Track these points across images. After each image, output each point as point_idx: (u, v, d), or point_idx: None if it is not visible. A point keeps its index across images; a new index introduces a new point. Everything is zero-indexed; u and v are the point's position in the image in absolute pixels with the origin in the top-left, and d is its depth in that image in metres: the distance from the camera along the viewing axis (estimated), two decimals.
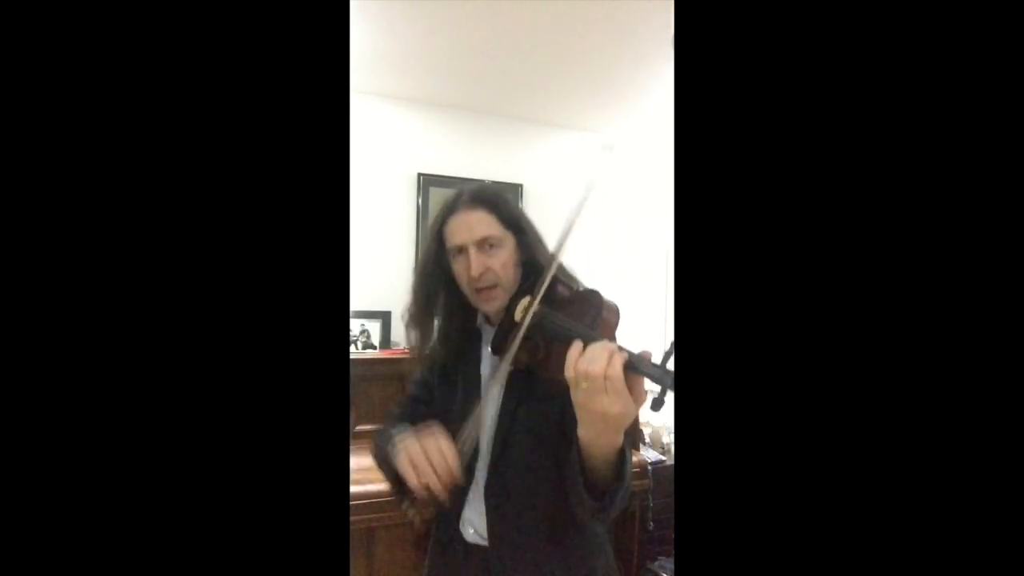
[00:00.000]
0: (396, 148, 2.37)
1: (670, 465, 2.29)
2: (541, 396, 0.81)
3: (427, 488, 0.70)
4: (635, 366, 0.60)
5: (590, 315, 0.74)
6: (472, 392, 0.87)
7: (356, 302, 2.19)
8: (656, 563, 2.20)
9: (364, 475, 1.63)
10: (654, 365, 0.60)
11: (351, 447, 1.74)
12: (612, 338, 0.70)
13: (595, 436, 0.65)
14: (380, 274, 2.31)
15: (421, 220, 2.37)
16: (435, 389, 0.93)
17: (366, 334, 2.16)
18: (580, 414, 0.63)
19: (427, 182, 2.39)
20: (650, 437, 2.45)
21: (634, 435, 2.09)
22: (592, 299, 0.76)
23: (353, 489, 1.57)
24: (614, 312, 0.76)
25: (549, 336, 0.73)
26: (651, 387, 0.61)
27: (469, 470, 0.83)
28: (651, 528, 2.05)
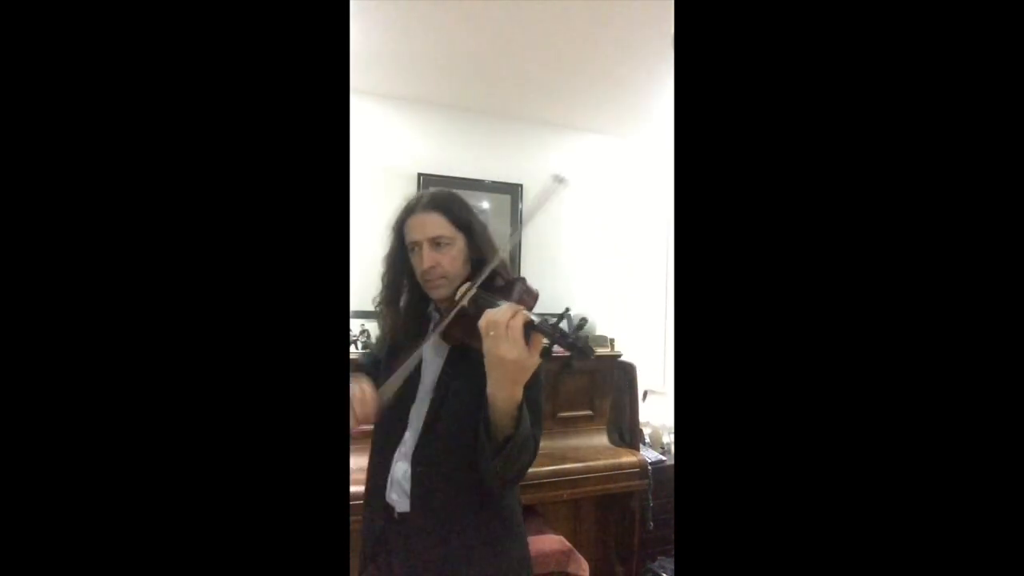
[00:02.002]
0: (396, 148, 2.37)
1: (670, 465, 2.29)
2: (472, 375, 0.89)
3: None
4: (534, 324, 0.74)
5: (514, 297, 0.88)
6: (413, 366, 0.98)
7: (356, 302, 2.19)
8: (656, 563, 2.20)
9: (364, 475, 1.63)
10: (549, 324, 0.73)
11: (351, 447, 1.73)
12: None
13: (498, 386, 0.77)
14: (380, 274, 2.30)
15: None
16: (381, 362, 1.06)
17: (366, 334, 2.16)
18: (487, 362, 0.76)
19: (427, 182, 2.39)
20: (650, 437, 2.45)
21: (634, 434, 2.09)
22: (516, 284, 0.92)
23: (353, 489, 1.56)
24: (532, 295, 0.92)
25: (480, 310, 0.85)
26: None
27: (400, 438, 0.96)
28: (651, 528, 2.05)
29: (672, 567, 2.17)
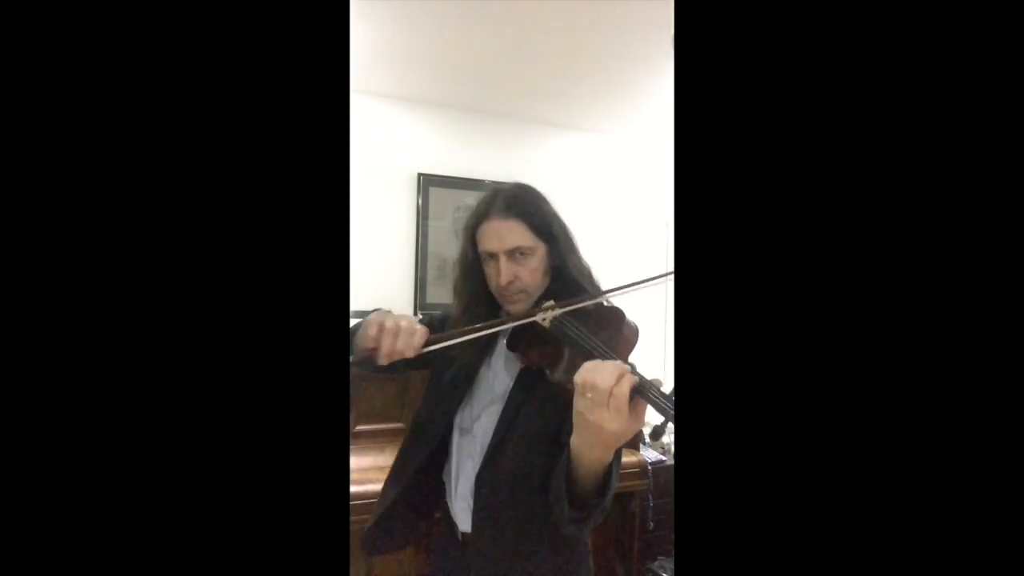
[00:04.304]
0: (396, 148, 2.37)
1: (670, 465, 2.29)
2: (545, 398, 0.83)
3: (376, 347, 0.74)
4: (643, 391, 0.61)
5: (609, 331, 0.75)
6: (480, 381, 0.91)
7: (356, 302, 2.19)
8: (656, 563, 2.20)
9: (364, 475, 1.63)
10: (662, 394, 0.60)
11: (351, 447, 1.74)
12: (627, 356, 0.71)
13: (587, 447, 0.66)
14: (380, 274, 2.31)
15: (421, 220, 2.37)
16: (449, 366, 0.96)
17: None
18: (578, 422, 0.64)
19: (427, 182, 2.39)
20: (650, 437, 2.45)
21: (634, 437, 2.08)
22: (614, 316, 0.79)
23: (353, 489, 1.57)
24: (633, 331, 0.79)
25: (565, 342, 0.75)
26: (654, 417, 0.62)
27: (466, 455, 0.88)
28: (651, 528, 2.05)
29: (672, 567, 2.17)
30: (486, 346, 0.92)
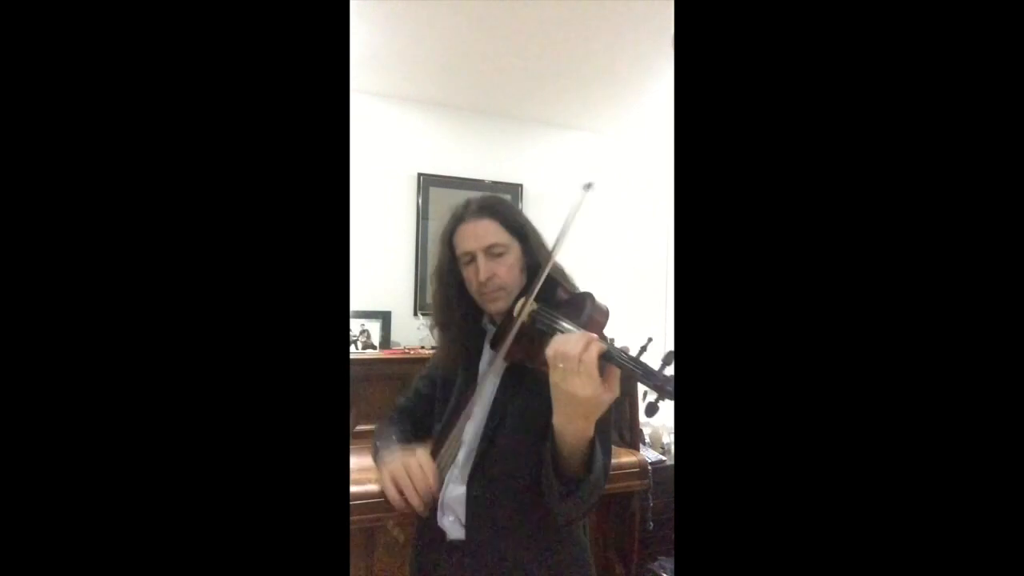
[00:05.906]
0: (396, 148, 2.38)
1: (670, 465, 2.29)
2: (532, 392, 0.84)
3: (407, 503, 0.77)
4: (610, 356, 0.65)
5: (582, 315, 0.79)
6: (470, 384, 0.92)
7: (356, 302, 2.19)
8: (656, 563, 2.20)
9: (364, 475, 1.63)
10: (629, 357, 0.65)
11: (351, 447, 1.74)
12: (599, 335, 0.74)
13: (566, 420, 0.69)
14: (380, 274, 2.31)
15: (421, 220, 2.38)
16: (438, 383, 0.99)
17: (366, 334, 2.16)
18: (555, 395, 0.68)
19: (427, 182, 2.39)
20: (650, 437, 2.45)
21: (634, 434, 2.09)
22: (583, 300, 0.83)
23: (353, 489, 1.57)
24: (602, 312, 0.81)
25: (541, 330, 0.78)
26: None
27: (453, 458, 0.88)
28: (651, 528, 2.05)
29: (672, 567, 2.17)
30: (473, 356, 0.94)
